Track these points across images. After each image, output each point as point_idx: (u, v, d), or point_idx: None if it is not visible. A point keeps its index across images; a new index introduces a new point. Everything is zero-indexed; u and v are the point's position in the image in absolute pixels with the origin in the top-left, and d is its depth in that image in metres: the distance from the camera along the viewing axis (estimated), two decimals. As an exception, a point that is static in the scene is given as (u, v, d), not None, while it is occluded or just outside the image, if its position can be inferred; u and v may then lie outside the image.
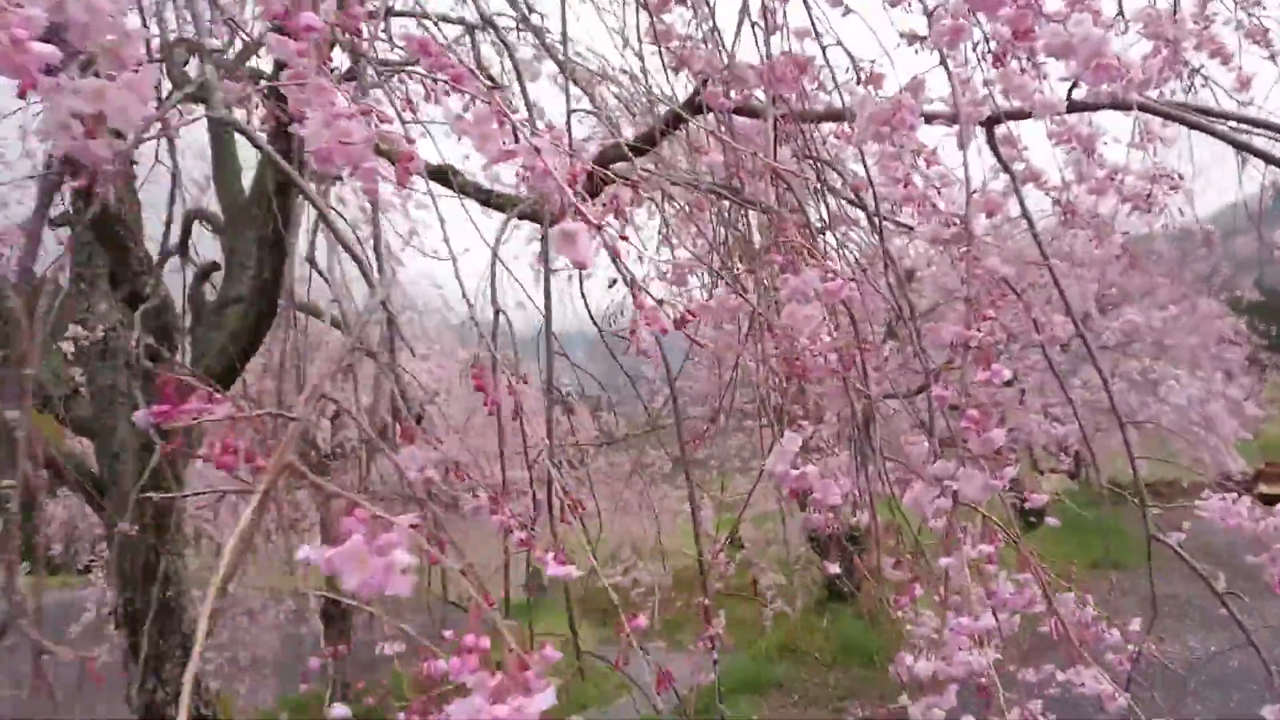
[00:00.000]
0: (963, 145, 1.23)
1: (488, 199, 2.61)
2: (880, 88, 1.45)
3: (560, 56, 1.77)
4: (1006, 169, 1.76)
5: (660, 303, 0.68)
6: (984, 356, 1.07)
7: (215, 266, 3.96)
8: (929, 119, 1.63)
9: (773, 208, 1.26)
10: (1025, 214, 1.80)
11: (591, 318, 1.79)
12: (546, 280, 1.38)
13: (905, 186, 1.27)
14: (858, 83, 1.43)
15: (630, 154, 1.89)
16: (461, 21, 4.53)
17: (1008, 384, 8.52)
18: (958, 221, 1.21)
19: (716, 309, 1.28)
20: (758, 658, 8.55)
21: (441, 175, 2.68)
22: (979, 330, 1.16)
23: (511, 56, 1.57)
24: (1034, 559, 1.30)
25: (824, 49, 1.48)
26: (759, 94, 1.54)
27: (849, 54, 1.52)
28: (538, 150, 0.87)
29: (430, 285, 8.29)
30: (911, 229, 2.22)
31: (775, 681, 8.26)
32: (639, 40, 2.68)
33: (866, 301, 2.44)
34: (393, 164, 1.02)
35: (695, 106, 2.00)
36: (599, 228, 0.64)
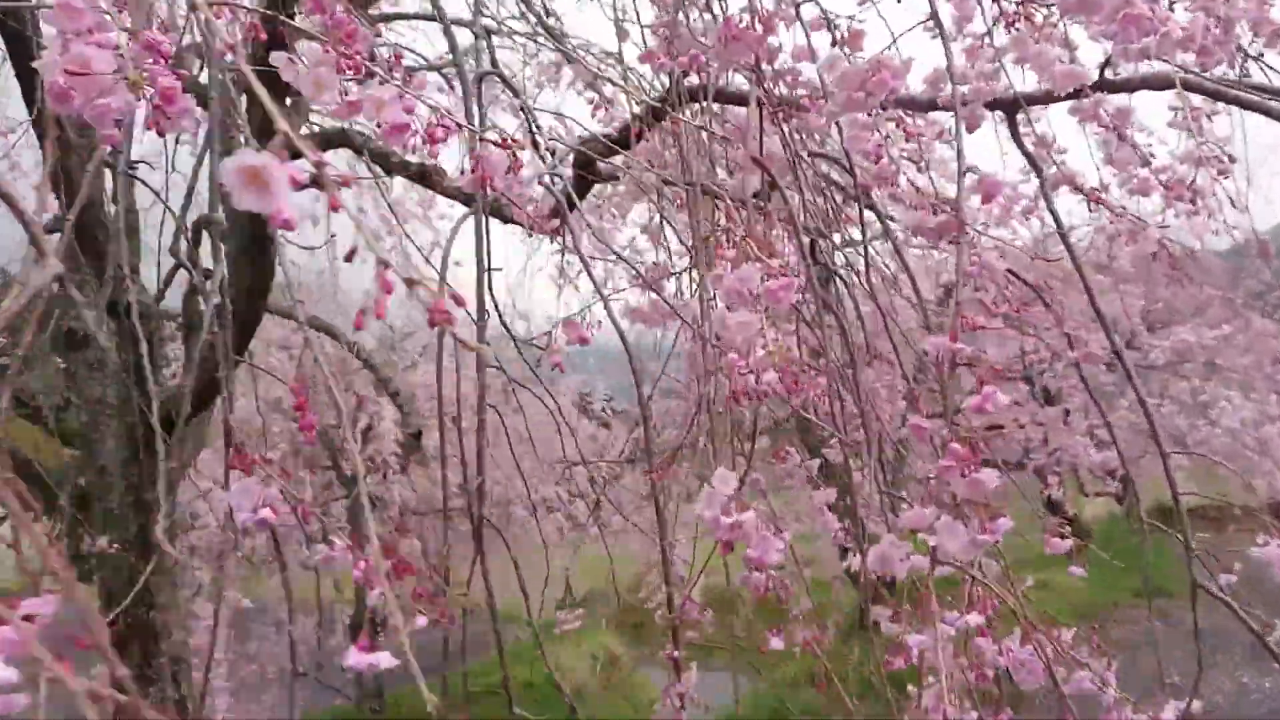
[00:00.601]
0: (958, 117, 1.00)
1: (469, 201, 2.41)
2: (859, 49, 1.21)
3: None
4: (1031, 162, 1.54)
5: (411, 284, 0.48)
6: (977, 376, 0.84)
7: (208, 274, 3.82)
8: (933, 105, 1.41)
9: (715, 190, 1.06)
10: (1054, 215, 1.57)
11: (503, 323, 1.59)
12: (479, 273, 1.18)
13: (877, 162, 1.04)
14: (833, 44, 1.20)
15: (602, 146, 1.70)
16: (470, 24, 4.38)
17: (1049, 402, 8.18)
18: (947, 209, 0.98)
19: (650, 313, 1.07)
20: (781, 686, 8.28)
21: (423, 176, 2.50)
22: (974, 343, 0.93)
23: (453, 49, 1.39)
24: (1038, 632, 1.08)
25: (798, 6, 1.24)
26: (727, 72, 1.34)
27: (821, 8, 1.28)
28: (381, 101, 0.67)
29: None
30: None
31: (799, 711, 7.96)
32: (619, 36, 2.48)
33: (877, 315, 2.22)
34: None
35: (679, 96, 1.81)
36: (318, 164, 0.44)
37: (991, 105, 1.47)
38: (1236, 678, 7.27)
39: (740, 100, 1.63)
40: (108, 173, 4.39)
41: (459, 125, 0.75)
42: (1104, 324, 1.57)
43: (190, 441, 4.10)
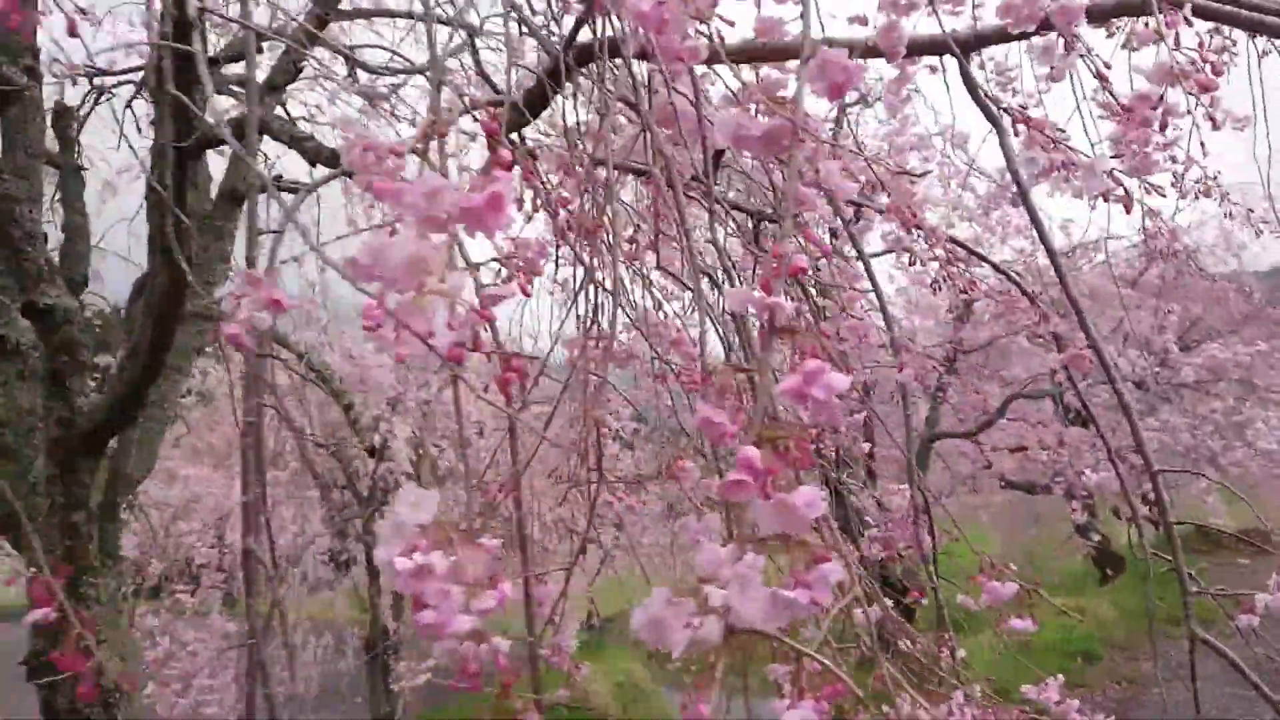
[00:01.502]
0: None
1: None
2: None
3: None
4: (986, 112, 1.24)
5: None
6: (797, 347, 0.53)
7: (152, 279, 3.60)
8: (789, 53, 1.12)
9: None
10: (1016, 179, 1.29)
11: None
12: (251, 236, 0.92)
13: (682, 60, 0.72)
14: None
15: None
16: (450, 22, 4.15)
17: (1072, 422, 7.80)
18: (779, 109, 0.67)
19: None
20: (800, 712, 7.98)
21: (335, 161, 2.26)
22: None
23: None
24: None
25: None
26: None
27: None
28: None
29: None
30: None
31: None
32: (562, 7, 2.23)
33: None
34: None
35: (584, 51, 1.55)
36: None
37: (935, 48, 1.19)
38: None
39: (642, 55, 1.36)
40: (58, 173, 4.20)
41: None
42: (1085, 326, 1.29)
43: (139, 454, 3.85)
